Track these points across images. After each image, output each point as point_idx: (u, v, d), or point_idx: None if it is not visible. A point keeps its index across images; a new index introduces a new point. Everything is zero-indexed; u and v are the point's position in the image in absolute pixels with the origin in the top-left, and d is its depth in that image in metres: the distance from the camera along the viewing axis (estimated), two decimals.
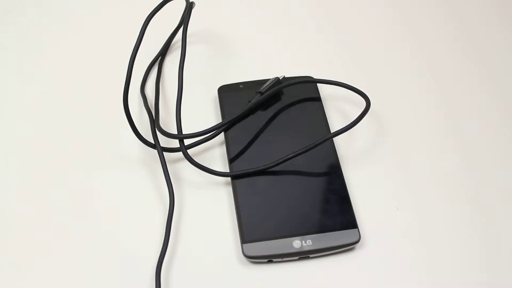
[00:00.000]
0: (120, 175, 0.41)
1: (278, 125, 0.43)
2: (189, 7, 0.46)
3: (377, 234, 0.38)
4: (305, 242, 0.37)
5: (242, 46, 0.50)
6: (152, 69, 0.48)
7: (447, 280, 0.36)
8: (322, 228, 0.37)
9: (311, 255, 0.37)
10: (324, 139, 0.40)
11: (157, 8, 0.42)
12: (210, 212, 0.39)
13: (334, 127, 0.44)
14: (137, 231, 0.38)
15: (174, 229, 0.38)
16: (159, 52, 0.49)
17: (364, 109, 0.42)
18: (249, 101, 0.44)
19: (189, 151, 0.42)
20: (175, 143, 0.43)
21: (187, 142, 0.42)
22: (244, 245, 0.37)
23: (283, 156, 0.40)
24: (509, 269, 0.37)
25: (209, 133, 0.41)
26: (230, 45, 0.51)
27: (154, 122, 0.43)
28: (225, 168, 0.42)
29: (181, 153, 0.42)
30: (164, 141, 0.43)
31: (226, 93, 0.45)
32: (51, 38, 0.51)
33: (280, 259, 0.37)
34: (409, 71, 0.49)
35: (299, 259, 0.37)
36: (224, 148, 0.43)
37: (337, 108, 0.46)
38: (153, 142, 0.42)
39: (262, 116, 0.44)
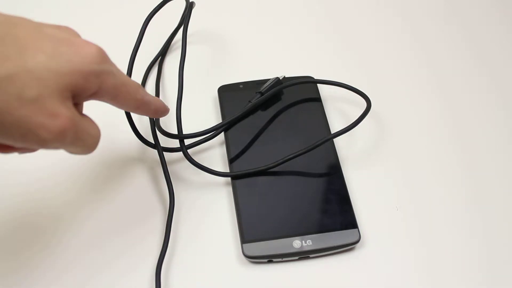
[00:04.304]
0: (120, 175, 0.41)
1: (278, 125, 0.43)
2: (189, 7, 0.46)
3: (377, 234, 0.38)
4: (305, 242, 0.37)
5: (242, 46, 0.50)
6: (152, 69, 0.48)
7: (447, 280, 0.36)
8: (322, 228, 0.37)
9: (311, 255, 0.37)
10: (324, 140, 0.40)
11: (157, 8, 0.42)
12: (210, 212, 0.39)
13: (334, 127, 0.44)
14: (137, 231, 0.38)
15: (174, 229, 0.38)
16: (159, 52, 0.49)
17: (365, 110, 0.42)
18: (249, 101, 0.44)
19: (189, 151, 0.42)
20: (175, 143, 0.43)
21: (187, 142, 0.42)
22: (244, 245, 0.37)
23: (283, 157, 0.40)
24: (509, 269, 0.37)
25: (209, 133, 0.41)
26: (230, 45, 0.51)
27: (154, 122, 0.43)
28: (225, 168, 0.42)
29: (181, 153, 0.42)
30: (164, 141, 0.43)
31: (226, 93, 0.45)
32: None
33: (280, 259, 0.37)
34: (410, 72, 0.49)
35: (299, 259, 0.37)
36: (224, 148, 0.43)
37: (338, 108, 0.46)
38: (153, 142, 0.42)
39: (262, 116, 0.44)
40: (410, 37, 0.52)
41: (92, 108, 0.46)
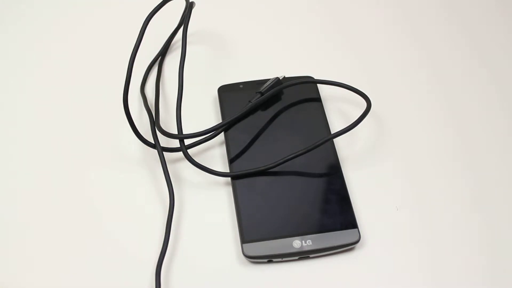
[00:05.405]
0: (120, 175, 0.41)
1: (278, 125, 0.43)
2: (189, 7, 0.46)
3: (377, 234, 0.38)
4: (305, 242, 0.37)
5: (242, 46, 0.50)
6: (152, 69, 0.48)
7: (447, 279, 0.36)
8: (322, 228, 0.37)
9: (311, 255, 0.37)
10: (324, 140, 0.40)
11: (157, 8, 0.42)
12: (210, 212, 0.39)
13: (334, 127, 0.44)
14: (137, 231, 0.38)
15: (174, 229, 0.38)
16: (159, 52, 0.49)
17: (365, 110, 0.42)
18: (249, 101, 0.44)
19: (189, 151, 0.42)
20: (175, 143, 0.43)
21: (187, 142, 0.42)
22: (244, 245, 0.37)
23: (283, 157, 0.40)
24: (509, 269, 0.37)
25: (209, 133, 0.41)
26: (230, 45, 0.51)
27: (154, 122, 0.43)
28: (225, 168, 0.42)
29: (181, 153, 0.42)
30: (164, 141, 0.43)
31: (226, 93, 0.45)
32: (51, 38, 0.51)
33: (280, 259, 0.37)
34: (410, 72, 0.49)
35: (299, 259, 0.37)
36: (224, 148, 0.43)
37: (338, 108, 0.46)
38: (153, 142, 0.42)
39: (262, 116, 0.44)
40: (410, 37, 0.52)
41: (93, 108, 0.46)
